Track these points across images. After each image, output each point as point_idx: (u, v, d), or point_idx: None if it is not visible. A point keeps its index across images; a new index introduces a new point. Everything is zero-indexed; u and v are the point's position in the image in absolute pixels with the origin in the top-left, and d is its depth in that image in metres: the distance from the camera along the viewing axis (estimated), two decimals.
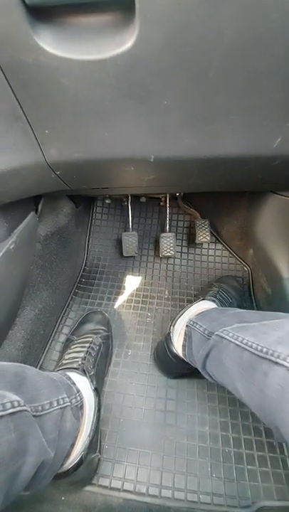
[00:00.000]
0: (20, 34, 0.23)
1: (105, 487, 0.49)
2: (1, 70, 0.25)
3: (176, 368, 0.59)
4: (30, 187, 0.41)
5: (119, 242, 0.87)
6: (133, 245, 0.80)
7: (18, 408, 0.28)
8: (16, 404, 0.28)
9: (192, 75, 0.26)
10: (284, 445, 0.54)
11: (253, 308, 0.74)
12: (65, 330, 0.70)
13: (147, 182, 0.45)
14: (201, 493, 0.49)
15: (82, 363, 0.52)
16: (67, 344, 0.64)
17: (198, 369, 0.48)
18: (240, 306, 0.70)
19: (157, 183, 0.48)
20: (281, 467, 0.51)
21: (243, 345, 0.37)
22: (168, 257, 0.85)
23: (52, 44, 0.24)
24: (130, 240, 0.80)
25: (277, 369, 0.31)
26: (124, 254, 0.80)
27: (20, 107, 0.28)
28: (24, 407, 0.29)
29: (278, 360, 0.31)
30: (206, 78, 0.26)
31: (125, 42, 0.23)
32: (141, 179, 0.44)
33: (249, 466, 0.52)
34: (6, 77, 0.25)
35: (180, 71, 0.25)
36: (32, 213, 0.53)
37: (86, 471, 0.45)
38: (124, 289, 0.80)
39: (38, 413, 0.33)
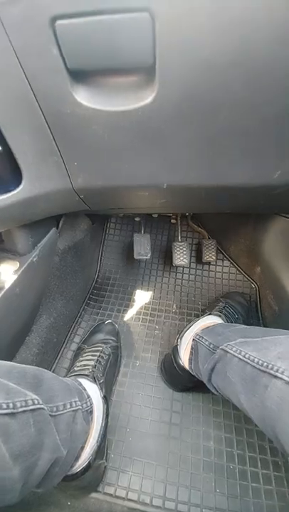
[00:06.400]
0: (62, 92, 0.29)
1: (110, 495, 0.50)
2: (44, 118, 0.30)
3: (183, 381, 0.60)
4: (56, 208, 0.46)
5: (130, 257, 0.91)
6: (145, 246, 0.76)
7: (38, 406, 0.32)
8: (36, 402, 0.31)
9: (202, 121, 0.30)
10: None
11: (259, 325, 0.76)
12: (77, 339, 0.73)
13: (160, 204, 0.50)
14: (204, 507, 0.50)
15: (93, 371, 0.55)
16: (78, 352, 0.67)
17: (204, 382, 0.50)
18: (246, 322, 0.72)
19: (168, 205, 0.53)
20: (285, 486, 0.51)
21: (245, 360, 0.39)
22: (180, 266, 0.85)
23: (87, 99, 0.29)
24: (142, 241, 0.76)
25: (277, 382, 0.33)
26: (135, 257, 0.75)
27: (56, 145, 0.33)
28: (42, 406, 0.32)
29: (277, 374, 0.33)
30: (214, 124, 0.31)
31: (146, 97, 0.28)
32: (154, 202, 0.49)
33: (253, 484, 0.52)
34: (47, 123, 0.31)
35: (191, 119, 0.30)
36: (54, 229, 0.58)
37: (93, 476, 0.47)
38: (133, 301, 0.83)
39: (53, 413, 0.36)
